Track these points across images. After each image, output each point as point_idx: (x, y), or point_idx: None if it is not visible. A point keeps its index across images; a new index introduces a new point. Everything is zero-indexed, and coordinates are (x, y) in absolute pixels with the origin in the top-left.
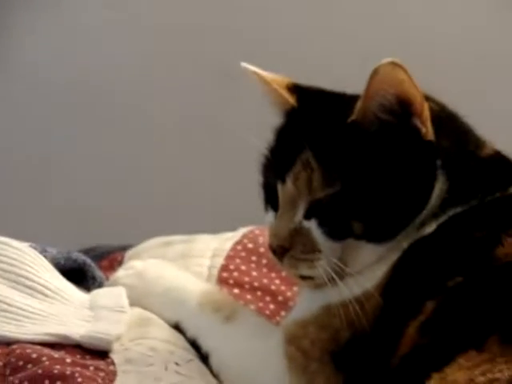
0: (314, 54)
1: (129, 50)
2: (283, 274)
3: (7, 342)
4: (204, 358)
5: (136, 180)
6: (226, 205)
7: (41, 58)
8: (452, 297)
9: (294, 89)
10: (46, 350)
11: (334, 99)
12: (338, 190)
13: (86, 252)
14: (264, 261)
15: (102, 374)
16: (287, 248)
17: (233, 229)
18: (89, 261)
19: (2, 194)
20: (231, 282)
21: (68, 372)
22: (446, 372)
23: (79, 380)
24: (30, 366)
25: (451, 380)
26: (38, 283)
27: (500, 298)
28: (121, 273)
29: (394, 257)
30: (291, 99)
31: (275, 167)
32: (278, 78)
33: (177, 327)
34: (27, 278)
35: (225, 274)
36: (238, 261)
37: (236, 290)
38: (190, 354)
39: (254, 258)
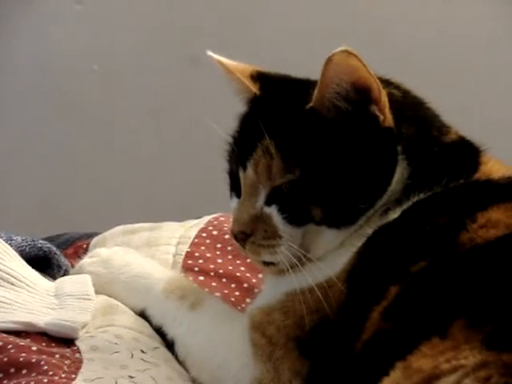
0: (287, 44)
1: (100, 41)
2: (248, 260)
3: None
4: (169, 345)
5: (101, 168)
6: (191, 192)
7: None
8: (415, 282)
9: (258, 77)
10: (12, 338)
11: (296, 86)
12: (296, 177)
13: (51, 240)
14: (229, 248)
15: (67, 362)
16: (248, 234)
17: (198, 216)
18: (54, 248)
19: None
20: (196, 269)
21: (34, 360)
22: (410, 360)
23: (45, 368)
24: None
25: (415, 368)
26: (4, 271)
27: (464, 283)
28: (86, 260)
29: (358, 243)
30: (253, 87)
31: (237, 154)
32: (242, 67)
33: (142, 315)
34: None
35: (190, 262)
36: (202, 248)
37: (201, 277)
38: (156, 342)
39: (219, 245)
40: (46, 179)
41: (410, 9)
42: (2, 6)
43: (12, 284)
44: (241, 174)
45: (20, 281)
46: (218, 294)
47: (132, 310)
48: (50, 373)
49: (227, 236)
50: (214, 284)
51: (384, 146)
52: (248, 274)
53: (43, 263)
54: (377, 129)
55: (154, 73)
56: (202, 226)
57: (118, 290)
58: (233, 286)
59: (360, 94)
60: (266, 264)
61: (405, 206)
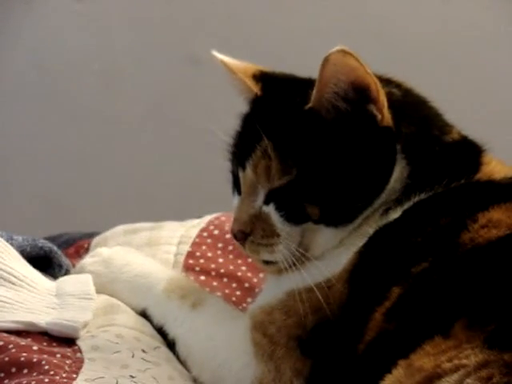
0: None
1: (100, 40)
2: (249, 260)
3: None
4: (171, 345)
5: (102, 167)
6: (192, 192)
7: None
8: (418, 282)
9: (261, 77)
10: (13, 338)
11: (298, 86)
12: (293, 177)
13: (52, 239)
14: (230, 247)
15: (68, 362)
16: (247, 233)
17: (199, 216)
18: (55, 248)
19: None
20: (197, 268)
21: (35, 359)
22: (412, 359)
23: (46, 367)
24: None
25: (417, 366)
26: (5, 271)
27: (465, 283)
28: (87, 260)
29: (359, 243)
30: (255, 87)
31: (237, 154)
32: (245, 67)
33: (143, 314)
34: None
35: (191, 261)
36: (204, 247)
37: (202, 277)
38: (157, 341)
39: (220, 245)
40: (47, 179)
41: (410, 8)
42: (2, 5)
43: (13, 283)
44: (240, 174)
45: (21, 280)
46: (219, 294)
47: (133, 309)
48: (51, 372)
49: (228, 236)
50: (215, 284)
51: (382, 145)
52: (249, 274)
53: (44, 263)
54: (375, 128)
55: (154, 72)
56: (203, 225)
57: (119, 290)
58: (234, 285)
59: (358, 94)
60: (266, 263)
61: (406, 206)
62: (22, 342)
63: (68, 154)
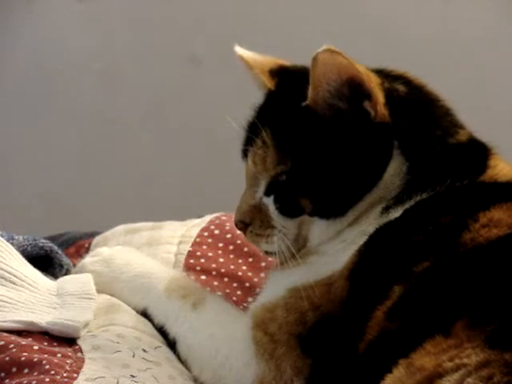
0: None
1: (101, 40)
2: (250, 260)
3: None
4: (171, 345)
5: (102, 167)
6: (193, 191)
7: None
8: (419, 282)
9: (278, 71)
10: (14, 337)
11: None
12: (288, 168)
13: (53, 239)
14: (231, 247)
15: (69, 361)
16: (247, 223)
17: (199, 215)
18: (55, 248)
19: None
20: (198, 268)
21: (35, 359)
22: (413, 358)
23: (47, 367)
24: None
25: (418, 366)
26: (6, 271)
27: (466, 283)
28: (88, 260)
29: (359, 241)
30: (269, 82)
31: (242, 146)
32: (263, 61)
33: (144, 314)
34: None
35: (192, 261)
36: (204, 247)
37: (203, 277)
38: (158, 341)
39: (220, 245)
40: (48, 178)
41: (410, 8)
42: (2, 4)
43: (14, 283)
44: (244, 165)
45: (22, 280)
46: (219, 294)
47: (134, 309)
48: (52, 372)
49: (229, 235)
50: (215, 283)
51: (376, 141)
52: (250, 274)
53: (45, 262)
54: (369, 123)
55: (154, 72)
56: (203, 225)
57: (120, 289)
58: (234, 285)
59: (352, 91)
60: (267, 253)
61: (407, 206)
62: (23, 341)
63: (68, 153)
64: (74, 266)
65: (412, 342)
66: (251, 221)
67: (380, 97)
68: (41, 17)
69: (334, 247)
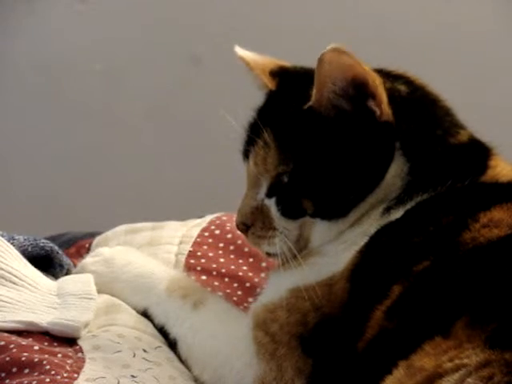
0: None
1: (102, 40)
2: (251, 260)
3: None
4: (172, 345)
5: (103, 167)
6: (194, 191)
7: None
8: (419, 281)
9: (278, 72)
10: (14, 338)
11: (309, 82)
12: (290, 169)
13: (53, 239)
14: (231, 247)
15: (70, 361)
16: (249, 225)
17: (200, 215)
18: (56, 248)
19: None
20: (198, 268)
21: (36, 359)
22: (413, 359)
23: (47, 367)
24: None
25: (418, 367)
26: (6, 271)
27: (466, 283)
28: (88, 260)
29: (360, 242)
30: (270, 83)
31: (243, 147)
32: (264, 62)
33: (145, 314)
34: None
35: (192, 261)
36: (205, 247)
37: (203, 277)
38: (158, 341)
39: (221, 245)
40: (48, 178)
41: (411, 8)
42: (3, 5)
43: (14, 283)
44: (245, 166)
45: (22, 280)
46: (220, 294)
47: (134, 309)
48: (52, 372)
49: (230, 235)
50: (216, 283)
51: (379, 141)
52: (250, 274)
53: (45, 262)
54: (374, 123)
55: (155, 72)
56: (204, 225)
57: (121, 290)
58: (235, 285)
59: (357, 90)
60: (269, 255)
61: (408, 206)
62: (23, 341)
63: (69, 153)
64: (75, 266)
65: (411, 342)
66: (253, 222)
67: (384, 96)
68: (41, 17)
69: (335, 248)
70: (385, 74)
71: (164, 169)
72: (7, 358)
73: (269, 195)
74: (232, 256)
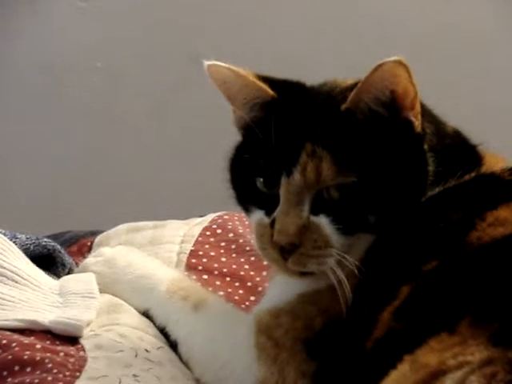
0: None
1: (103, 38)
2: (252, 259)
3: None
4: (173, 346)
5: (104, 165)
6: (195, 190)
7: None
8: (427, 282)
9: (264, 81)
10: (16, 336)
11: (304, 90)
12: (350, 182)
13: (55, 238)
14: (233, 246)
15: (72, 360)
16: (297, 245)
17: (202, 214)
18: (58, 247)
19: None
20: (200, 267)
21: (38, 358)
22: (418, 354)
23: (49, 366)
24: None
25: (423, 362)
26: (8, 270)
27: (471, 281)
28: (90, 260)
29: (368, 241)
30: (271, 90)
31: (275, 162)
32: (245, 71)
33: (146, 315)
34: None
35: (194, 260)
36: (206, 246)
37: (205, 276)
38: (160, 341)
39: (222, 244)
40: (50, 177)
41: (411, 8)
42: (5, 4)
43: (16, 282)
44: (283, 181)
45: (24, 279)
46: (221, 293)
47: (136, 310)
48: (55, 371)
49: (231, 234)
50: (217, 283)
51: (417, 148)
52: (252, 273)
53: (47, 261)
54: (411, 133)
55: (157, 71)
56: (205, 224)
57: (122, 291)
58: (236, 284)
59: (395, 100)
60: (305, 274)
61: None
62: (26, 340)
63: (70, 152)
64: (77, 264)
65: (417, 338)
66: (301, 242)
67: (419, 107)
68: (43, 15)
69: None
70: None
71: (165, 167)
72: (9, 357)
73: (314, 211)
74: (233, 255)
